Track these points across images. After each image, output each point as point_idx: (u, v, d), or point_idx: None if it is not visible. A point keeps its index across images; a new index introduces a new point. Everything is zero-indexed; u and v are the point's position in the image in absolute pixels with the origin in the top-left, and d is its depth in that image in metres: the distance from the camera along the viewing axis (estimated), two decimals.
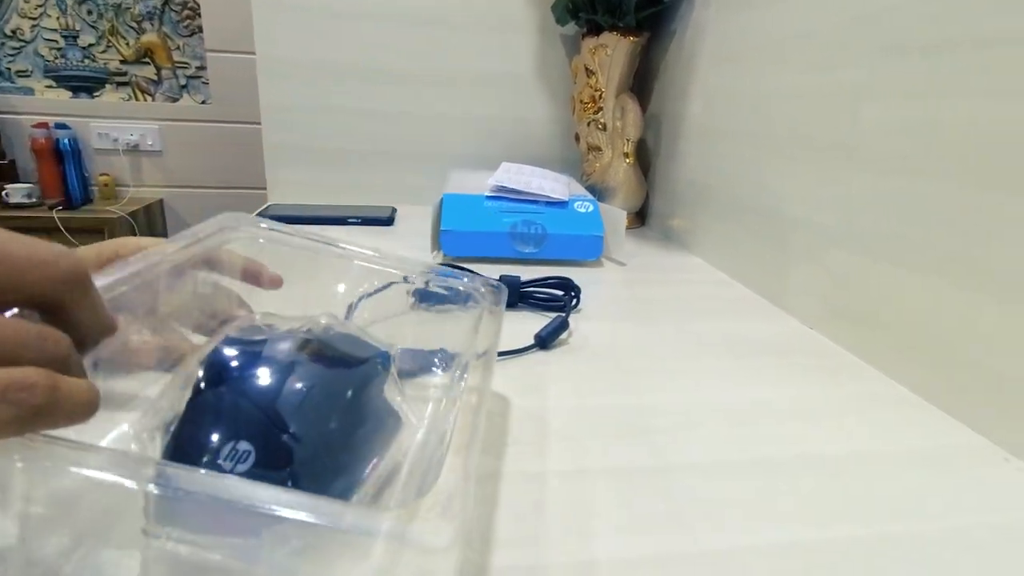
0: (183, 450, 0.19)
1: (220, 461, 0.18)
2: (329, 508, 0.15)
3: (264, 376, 0.21)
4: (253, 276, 0.33)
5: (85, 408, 0.18)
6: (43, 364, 0.17)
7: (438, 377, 0.34)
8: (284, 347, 0.22)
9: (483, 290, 0.34)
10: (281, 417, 0.20)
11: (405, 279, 0.34)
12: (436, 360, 0.36)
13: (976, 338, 0.36)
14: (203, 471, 0.16)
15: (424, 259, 0.42)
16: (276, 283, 0.33)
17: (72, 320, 0.19)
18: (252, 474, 0.18)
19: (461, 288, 0.34)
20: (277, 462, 0.19)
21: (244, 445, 0.18)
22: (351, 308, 0.41)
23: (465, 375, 0.25)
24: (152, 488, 0.15)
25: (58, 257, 0.19)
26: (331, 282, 0.35)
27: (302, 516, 0.14)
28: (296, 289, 0.34)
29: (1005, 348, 0.34)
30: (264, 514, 0.14)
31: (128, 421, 0.21)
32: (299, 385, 0.21)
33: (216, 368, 0.21)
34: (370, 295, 0.35)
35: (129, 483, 0.15)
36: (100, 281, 0.21)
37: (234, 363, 0.21)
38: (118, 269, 0.23)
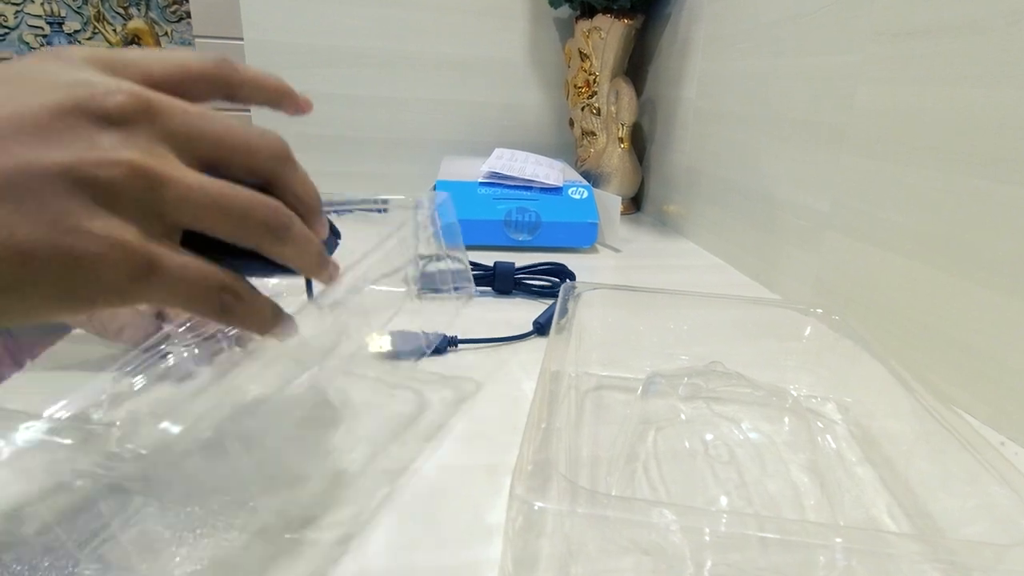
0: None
1: None
2: None
3: None
4: (275, 100, 0.27)
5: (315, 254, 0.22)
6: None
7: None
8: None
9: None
10: None
11: (379, 211, 0.35)
12: (425, 342, 0.37)
13: (966, 322, 0.36)
14: None
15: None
16: (305, 108, 0.27)
17: (287, 197, 0.20)
18: None
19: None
20: None
21: None
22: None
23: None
24: None
25: (265, 133, 0.20)
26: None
27: None
28: None
29: (994, 334, 0.34)
30: None
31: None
32: None
33: None
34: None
35: None
36: None
37: None
38: None
